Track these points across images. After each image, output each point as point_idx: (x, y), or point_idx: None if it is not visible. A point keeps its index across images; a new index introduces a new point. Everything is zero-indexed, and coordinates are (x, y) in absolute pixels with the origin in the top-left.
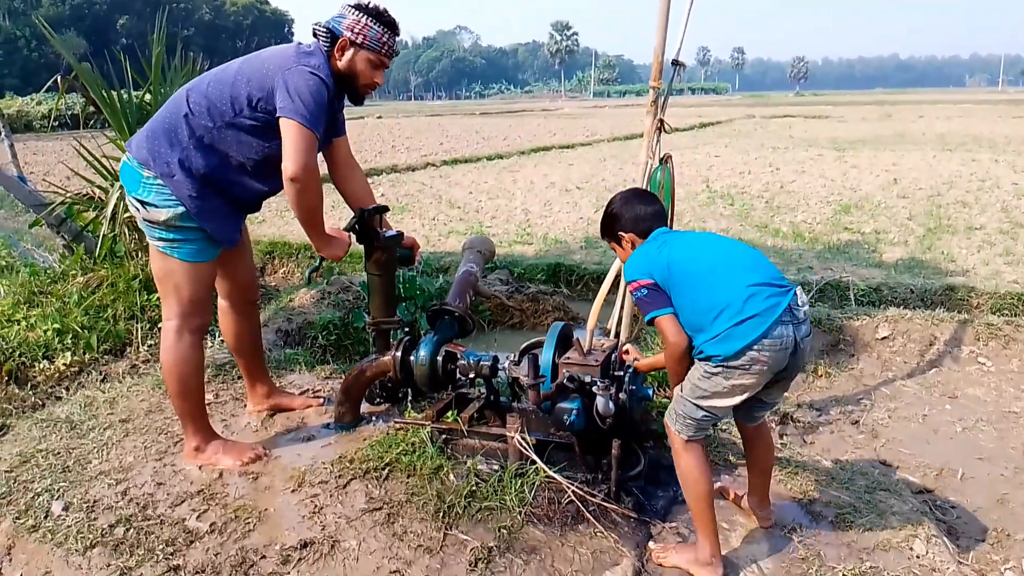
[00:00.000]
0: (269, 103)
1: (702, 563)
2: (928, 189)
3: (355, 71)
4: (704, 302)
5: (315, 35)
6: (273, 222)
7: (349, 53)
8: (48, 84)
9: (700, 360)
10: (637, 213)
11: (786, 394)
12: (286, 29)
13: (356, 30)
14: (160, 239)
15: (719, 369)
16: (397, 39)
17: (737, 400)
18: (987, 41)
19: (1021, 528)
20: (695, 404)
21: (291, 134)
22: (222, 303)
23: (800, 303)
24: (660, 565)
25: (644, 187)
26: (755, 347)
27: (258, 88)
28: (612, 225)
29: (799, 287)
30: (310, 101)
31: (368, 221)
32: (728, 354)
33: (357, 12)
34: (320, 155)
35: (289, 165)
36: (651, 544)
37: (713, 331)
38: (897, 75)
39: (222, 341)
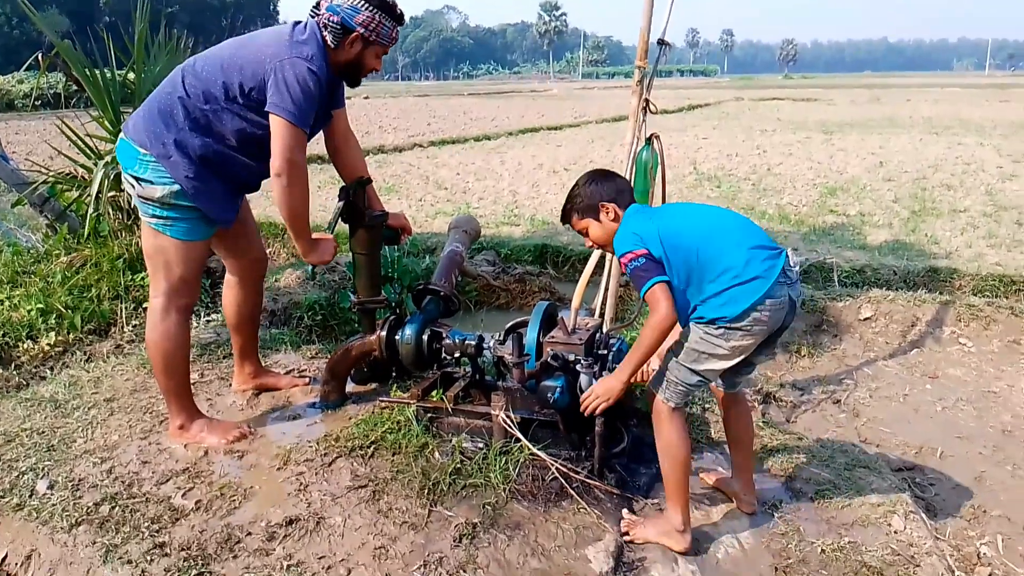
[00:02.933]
0: (261, 93)
1: (672, 532)
2: (914, 172)
3: (362, 63)
4: (703, 265)
5: (324, 27)
6: (258, 202)
7: (358, 47)
8: (29, 62)
9: (699, 324)
10: (619, 186)
11: (769, 374)
12: (271, 7)
13: (371, 27)
14: (153, 216)
15: (721, 331)
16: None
17: (734, 361)
18: (975, 25)
19: (997, 505)
20: (691, 369)
21: (279, 130)
22: (229, 278)
23: (792, 264)
24: (631, 542)
25: (630, 167)
26: (759, 307)
27: (251, 77)
28: (591, 198)
29: (789, 249)
30: (300, 96)
31: (355, 200)
32: (733, 315)
33: (372, 8)
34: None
35: (276, 161)
36: (624, 513)
37: (712, 291)
38: (887, 59)
39: (207, 321)
